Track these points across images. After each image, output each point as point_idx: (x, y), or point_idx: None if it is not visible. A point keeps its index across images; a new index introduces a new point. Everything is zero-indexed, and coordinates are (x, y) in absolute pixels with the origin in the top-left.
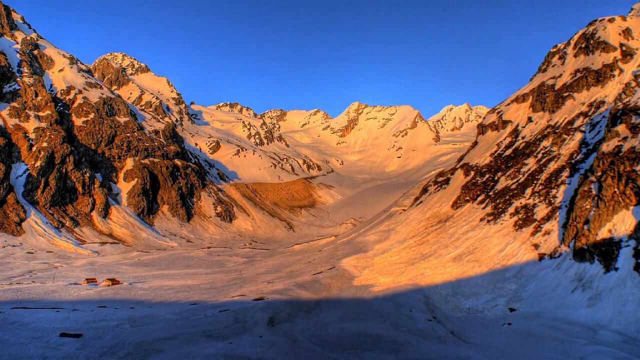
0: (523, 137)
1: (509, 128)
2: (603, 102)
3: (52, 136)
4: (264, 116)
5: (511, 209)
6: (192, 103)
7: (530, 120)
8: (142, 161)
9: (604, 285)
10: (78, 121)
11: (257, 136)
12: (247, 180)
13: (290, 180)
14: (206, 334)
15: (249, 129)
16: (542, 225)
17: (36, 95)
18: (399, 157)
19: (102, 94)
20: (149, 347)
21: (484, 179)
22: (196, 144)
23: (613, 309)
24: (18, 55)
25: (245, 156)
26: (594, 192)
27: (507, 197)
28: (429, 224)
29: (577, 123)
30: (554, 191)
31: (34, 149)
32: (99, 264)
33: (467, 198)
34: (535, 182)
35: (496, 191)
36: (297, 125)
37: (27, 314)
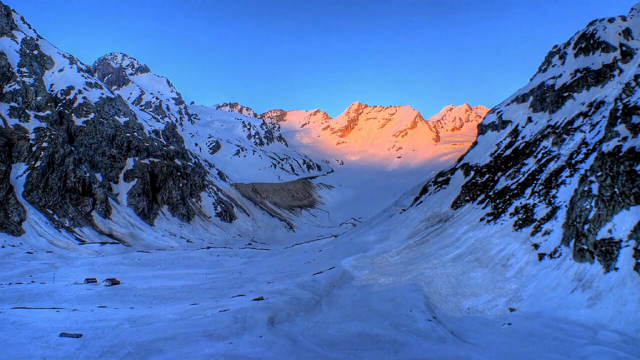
0: (523, 137)
1: (509, 128)
2: (603, 102)
3: (52, 136)
4: (264, 116)
5: (511, 209)
6: (192, 103)
7: (530, 120)
8: (142, 161)
9: (604, 285)
10: (78, 121)
11: (257, 136)
12: (247, 180)
13: (290, 180)
14: (206, 334)
15: (249, 129)
16: (542, 225)
17: (36, 95)
18: (399, 157)
19: (102, 94)
20: (149, 347)
21: (484, 179)
22: (196, 144)
23: (613, 309)
24: (18, 55)
25: (245, 156)
26: (594, 192)
27: (507, 197)
28: (429, 224)
29: (577, 123)
30: (554, 191)
31: (34, 149)
32: (99, 264)
33: (467, 198)
34: (535, 182)
35: (496, 191)
36: (297, 125)
37: (27, 314)
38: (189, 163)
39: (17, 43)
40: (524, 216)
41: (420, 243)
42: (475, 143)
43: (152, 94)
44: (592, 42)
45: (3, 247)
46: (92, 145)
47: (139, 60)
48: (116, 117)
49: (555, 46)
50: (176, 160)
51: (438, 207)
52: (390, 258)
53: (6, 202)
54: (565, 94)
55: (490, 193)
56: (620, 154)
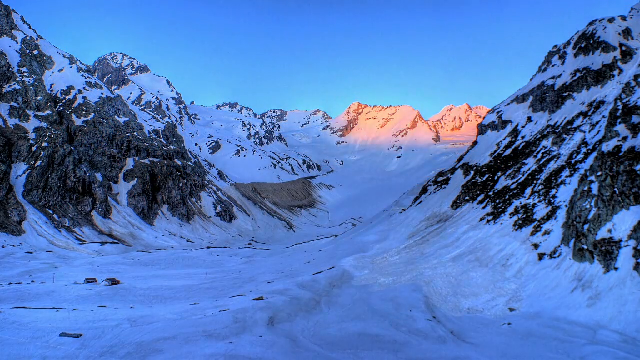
0: (523, 137)
1: (509, 128)
2: (603, 102)
3: (52, 136)
4: (264, 116)
5: (511, 209)
6: (192, 103)
7: (530, 120)
8: (142, 161)
9: (604, 285)
10: (78, 121)
11: (257, 136)
12: (247, 180)
13: (290, 180)
14: (206, 334)
15: (249, 129)
16: (542, 225)
17: (36, 95)
18: (399, 157)
19: (102, 94)
20: (149, 347)
21: (484, 179)
22: (196, 144)
23: (613, 309)
24: (18, 55)
25: (245, 156)
26: (594, 192)
27: (507, 197)
28: (429, 224)
29: (577, 123)
30: (554, 191)
31: (34, 149)
32: (99, 264)
33: (467, 198)
34: (535, 182)
35: (496, 191)
36: (297, 125)
37: (27, 314)
38: (189, 163)
39: (17, 43)
40: (524, 216)
41: (420, 243)
42: (475, 143)
43: (152, 94)
44: (592, 42)
45: (3, 247)
46: (92, 145)
47: (139, 60)
48: (116, 117)
49: (555, 46)
50: (176, 160)
51: (438, 207)
52: (390, 258)
53: (6, 202)
54: (565, 94)
55: (490, 193)
56: (620, 154)
